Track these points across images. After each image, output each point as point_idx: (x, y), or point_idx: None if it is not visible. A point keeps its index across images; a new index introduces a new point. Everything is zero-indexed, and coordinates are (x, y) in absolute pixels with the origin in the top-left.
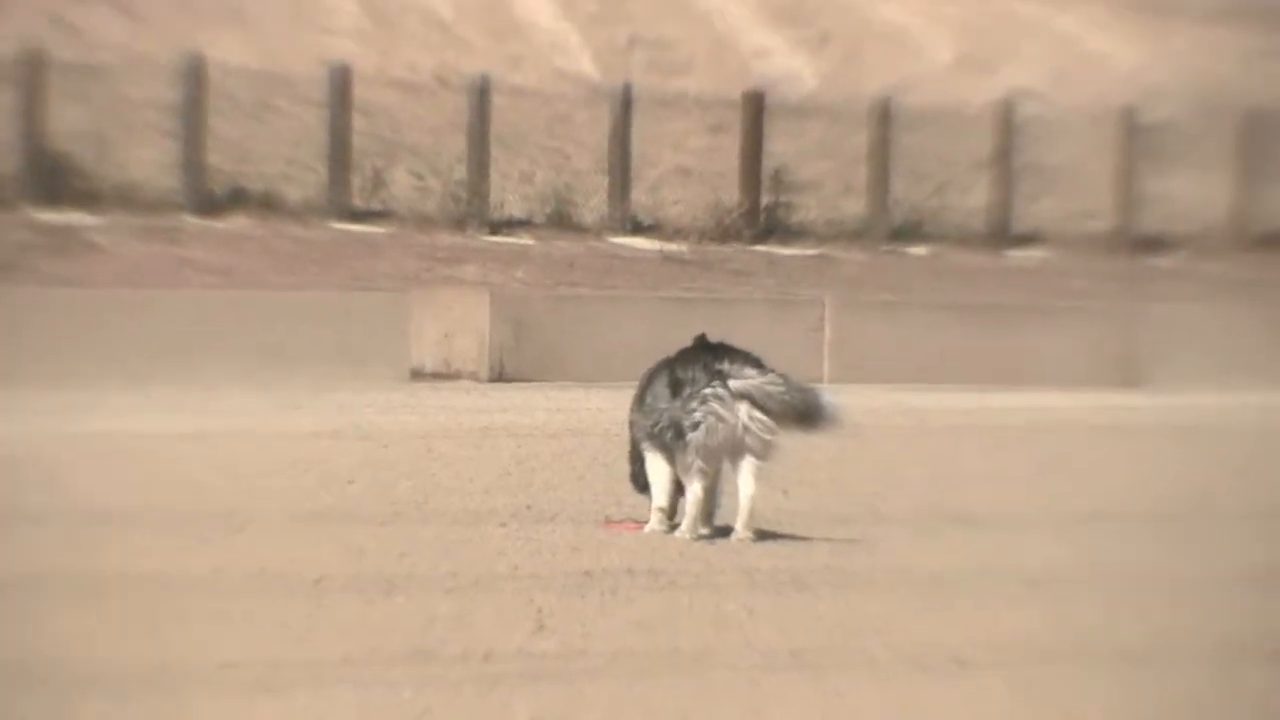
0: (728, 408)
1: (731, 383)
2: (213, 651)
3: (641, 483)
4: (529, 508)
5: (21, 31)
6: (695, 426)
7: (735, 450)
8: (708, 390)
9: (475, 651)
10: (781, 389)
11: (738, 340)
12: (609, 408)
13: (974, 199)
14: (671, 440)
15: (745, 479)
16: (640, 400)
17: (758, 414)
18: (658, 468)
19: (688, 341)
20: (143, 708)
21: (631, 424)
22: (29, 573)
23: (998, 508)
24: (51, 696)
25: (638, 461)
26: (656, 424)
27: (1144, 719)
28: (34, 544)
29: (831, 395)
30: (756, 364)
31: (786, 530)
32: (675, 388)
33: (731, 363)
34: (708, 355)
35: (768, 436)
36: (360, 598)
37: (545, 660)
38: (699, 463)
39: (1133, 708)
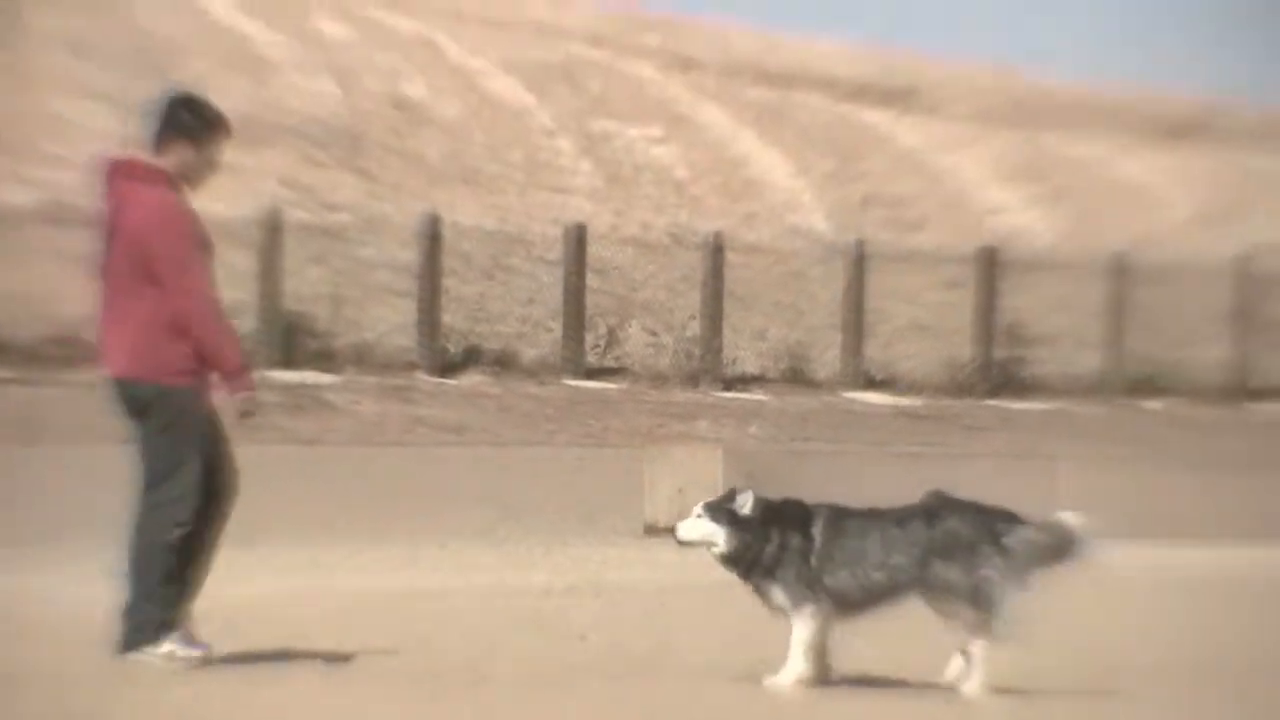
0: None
1: (1005, 541)
2: None
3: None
4: (764, 663)
5: (259, 194)
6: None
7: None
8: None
9: None
10: (1042, 536)
11: (979, 494)
12: None
13: (1210, 353)
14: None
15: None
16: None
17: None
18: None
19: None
20: None
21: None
22: None
23: (1245, 666)
24: None
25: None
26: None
27: None
28: (274, 702)
29: (1074, 519)
30: (1012, 518)
31: (1025, 691)
32: (958, 546)
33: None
34: (976, 514)
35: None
36: None
37: None
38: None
39: None
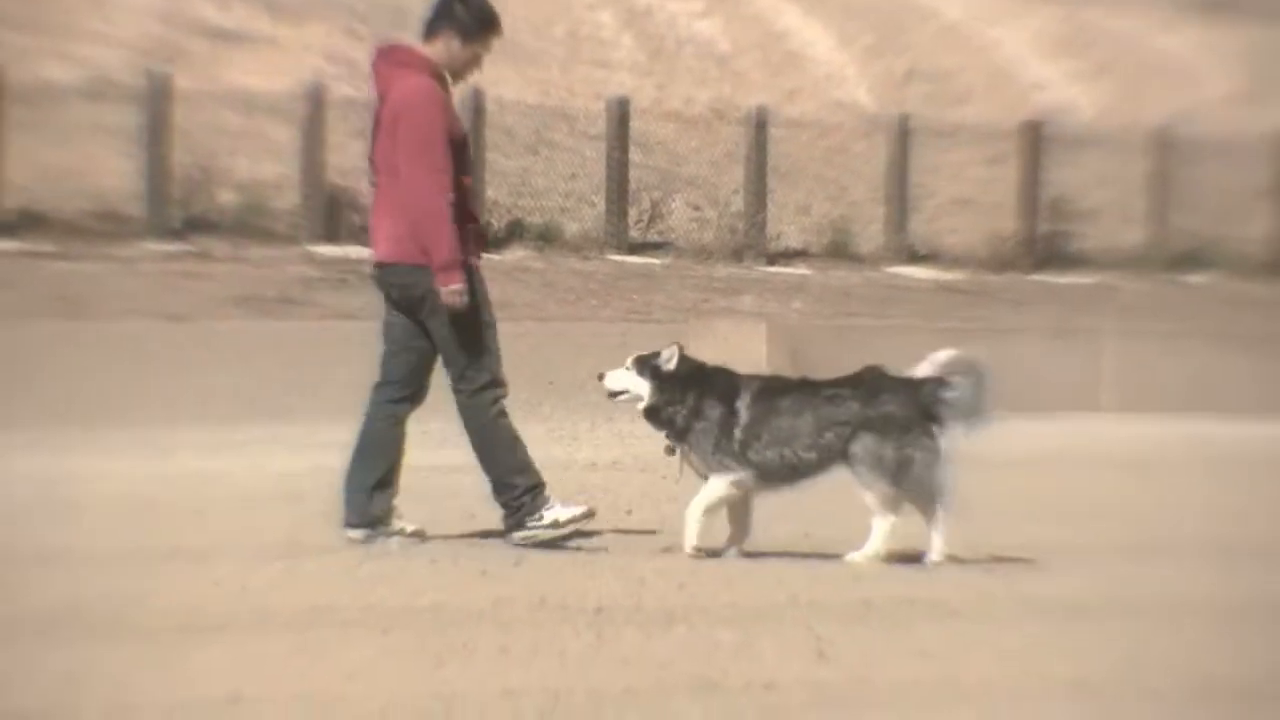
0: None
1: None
2: (495, 682)
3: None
4: (807, 536)
5: (302, 68)
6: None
7: None
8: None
9: (757, 681)
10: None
11: (1023, 369)
12: None
13: (1253, 228)
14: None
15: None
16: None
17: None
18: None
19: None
20: None
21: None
22: (317, 605)
23: None
24: None
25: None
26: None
27: None
28: (320, 578)
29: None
30: (941, 384)
31: (1067, 560)
32: (893, 424)
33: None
34: (908, 389)
35: None
36: (641, 628)
37: (827, 690)
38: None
39: None
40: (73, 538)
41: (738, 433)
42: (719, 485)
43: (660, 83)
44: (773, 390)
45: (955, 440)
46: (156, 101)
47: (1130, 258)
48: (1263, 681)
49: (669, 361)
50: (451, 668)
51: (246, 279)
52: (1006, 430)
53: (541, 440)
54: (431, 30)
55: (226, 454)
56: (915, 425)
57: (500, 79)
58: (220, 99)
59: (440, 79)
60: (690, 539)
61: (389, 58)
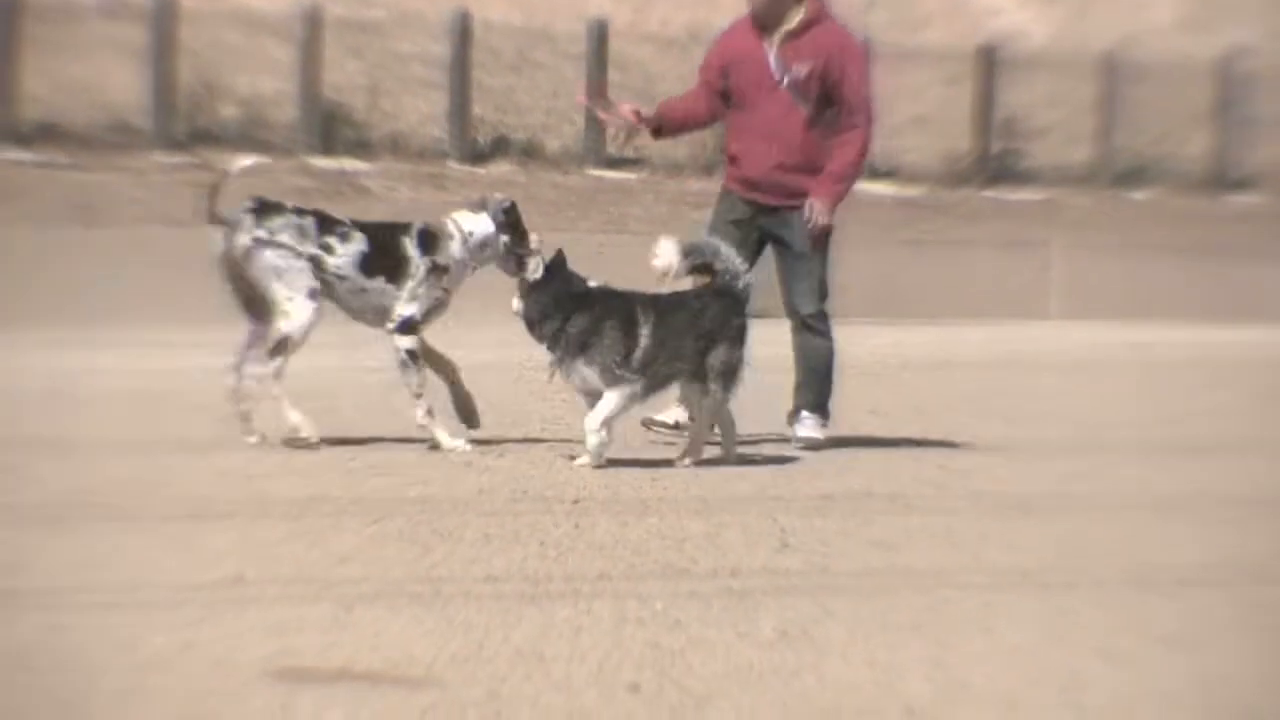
0: None
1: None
2: (479, 567)
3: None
4: (770, 432)
5: None
6: None
7: None
8: None
9: (723, 568)
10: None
11: (977, 279)
12: (848, 346)
13: (1192, 147)
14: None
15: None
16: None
17: None
18: None
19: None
20: (414, 616)
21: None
22: (310, 496)
23: (1217, 436)
24: (333, 607)
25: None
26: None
27: None
28: (314, 470)
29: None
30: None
31: (1015, 457)
32: (720, 334)
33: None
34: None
35: None
36: (616, 519)
37: (789, 577)
38: None
39: None
40: (85, 429)
41: (640, 351)
42: (619, 398)
43: (638, 6)
44: (662, 309)
45: None
46: (163, 21)
47: (1077, 175)
48: (1195, 568)
49: (535, 271)
50: (438, 553)
51: (246, 188)
52: (962, 335)
53: (524, 343)
54: None
55: (230, 352)
56: (745, 333)
57: (487, 1)
58: (223, 18)
59: None
60: (596, 456)
61: None
